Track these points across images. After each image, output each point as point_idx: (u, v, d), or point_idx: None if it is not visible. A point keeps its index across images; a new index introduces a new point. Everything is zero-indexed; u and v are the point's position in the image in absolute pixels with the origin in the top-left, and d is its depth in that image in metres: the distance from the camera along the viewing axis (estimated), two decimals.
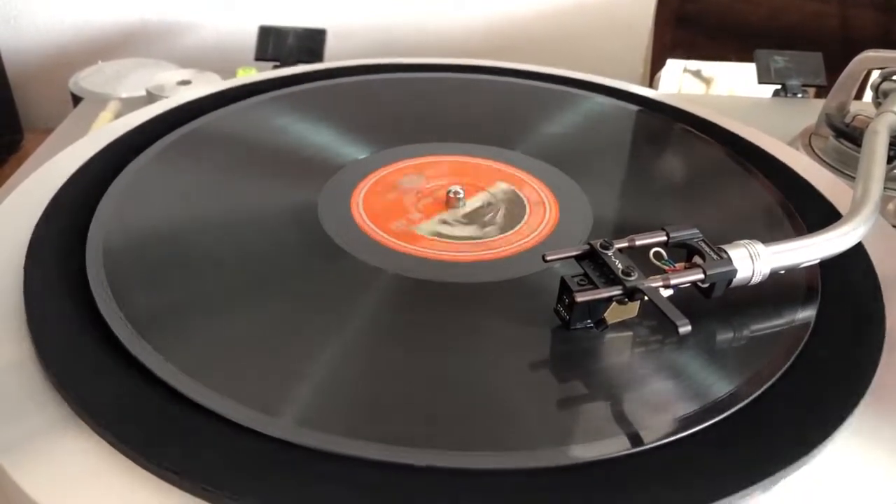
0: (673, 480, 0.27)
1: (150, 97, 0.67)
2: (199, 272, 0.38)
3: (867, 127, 0.49)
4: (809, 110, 0.68)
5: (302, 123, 0.54)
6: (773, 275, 0.35)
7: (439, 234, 0.42)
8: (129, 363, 0.31)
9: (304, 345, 0.33)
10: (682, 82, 0.90)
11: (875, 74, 0.57)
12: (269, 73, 0.63)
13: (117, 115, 0.66)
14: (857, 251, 0.38)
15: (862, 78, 0.61)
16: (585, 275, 0.33)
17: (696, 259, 0.34)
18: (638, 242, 0.34)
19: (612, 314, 0.33)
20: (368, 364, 0.33)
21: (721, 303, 0.34)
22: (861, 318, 0.36)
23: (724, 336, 0.35)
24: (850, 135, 0.59)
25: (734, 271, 0.34)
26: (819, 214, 0.44)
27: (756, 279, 0.34)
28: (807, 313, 0.36)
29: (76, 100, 0.76)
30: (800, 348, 0.33)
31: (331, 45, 0.82)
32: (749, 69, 0.79)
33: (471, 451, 0.28)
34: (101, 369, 0.31)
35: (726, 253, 0.34)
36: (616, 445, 0.28)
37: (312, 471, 0.27)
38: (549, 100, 0.59)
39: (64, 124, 0.67)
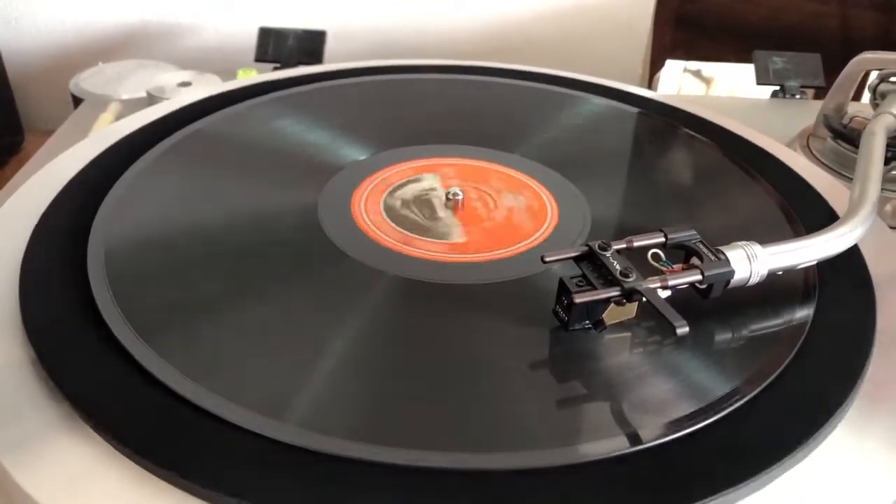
0: (669, 479, 0.27)
1: (151, 98, 0.68)
2: (200, 273, 0.38)
3: (865, 128, 0.49)
4: (808, 111, 0.68)
5: (302, 125, 0.54)
6: (771, 275, 0.35)
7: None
8: (130, 364, 0.31)
9: (304, 346, 0.33)
10: (682, 83, 0.90)
11: (873, 76, 0.57)
12: (269, 74, 0.63)
13: (118, 117, 0.66)
14: (851, 251, 0.38)
15: (860, 79, 0.61)
16: (584, 276, 0.33)
17: (694, 260, 0.34)
18: (636, 244, 0.35)
19: (611, 315, 0.34)
20: (368, 365, 0.33)
21: (717, 303, 0.34)
22: (854, 318, 0.36)
23: (721, 336, 0.35)
24: (847, 136, 0.59)
25: (732, 272, 0.34)
26: (817, 215, 0.44)
27: (753, 280, 0.34)
28: (802, 314, 0.36)
29: (77, 101, 0.76)
30: (795, 349, 0.33)
31: (331, 46, 0.82)
32: (749, 70, 0.79)
33: (471, 452, 0.28)
34: (101, 370, 0.31)
35: (724, 254, 0.34)
36: (613, 445, 0.29)
37: (312, 472, 0.27)
38: (549, 101, 0.59)
39: (64, 126, 0.67)
